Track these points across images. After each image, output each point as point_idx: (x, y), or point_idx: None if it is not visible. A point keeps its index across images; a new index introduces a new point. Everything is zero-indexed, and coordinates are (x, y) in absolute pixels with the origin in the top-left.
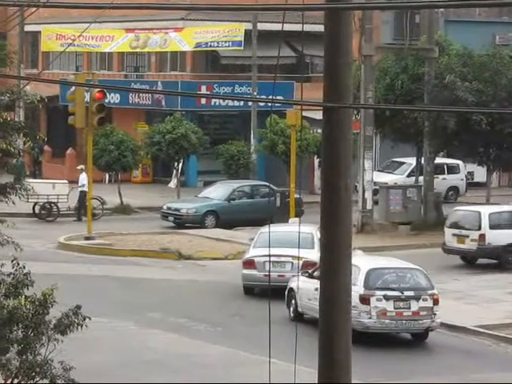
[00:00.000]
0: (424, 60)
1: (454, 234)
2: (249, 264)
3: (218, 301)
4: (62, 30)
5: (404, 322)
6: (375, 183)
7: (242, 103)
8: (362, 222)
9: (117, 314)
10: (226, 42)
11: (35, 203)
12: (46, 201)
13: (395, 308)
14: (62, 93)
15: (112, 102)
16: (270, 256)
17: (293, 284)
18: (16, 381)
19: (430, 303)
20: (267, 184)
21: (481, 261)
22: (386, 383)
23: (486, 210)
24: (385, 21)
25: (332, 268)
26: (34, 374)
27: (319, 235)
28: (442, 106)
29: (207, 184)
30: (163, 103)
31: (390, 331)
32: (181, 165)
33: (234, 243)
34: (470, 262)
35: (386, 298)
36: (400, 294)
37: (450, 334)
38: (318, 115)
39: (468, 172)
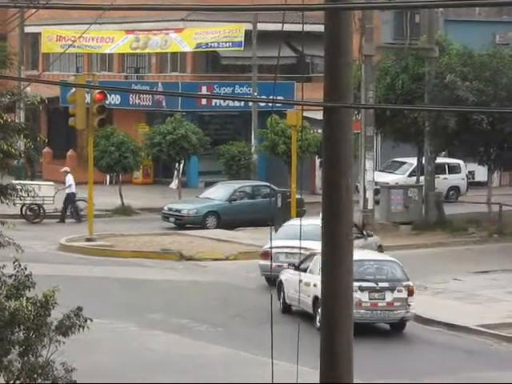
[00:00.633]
0: (424, 60)
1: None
2: (265, 255)
3: (220, 301)
4: (62, 32)
5: (379, 312)
6: (376, 183)
7: (242, 103)
8: (363, 222)
9: (118, 316)
10: (226, 42)
11: (22, 205)
12: (32, 202)
13: (370, 299)
14: (63, 94)
15: (112, 103)
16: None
17: (282, 276)
18: (18, 382)
19: (404, 294)
20: (268, 184)
21: None
22: (386, 383)
23: None
24: (385, 21)
25: (333, 267)
26: (35, 375)
27: None
28: (443, 106)
29: (208, 185)
30: (164, 104)
31: (366, 321)
32: (182, 166)
33: (235, 244)
34: None
35: (361, 289)
36: (375, 285)
37: (452, 333)
38: (319, 115)
39: (469, 171)
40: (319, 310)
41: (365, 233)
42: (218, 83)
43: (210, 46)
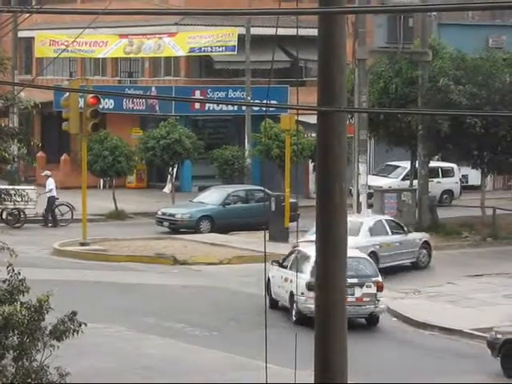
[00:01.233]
0: (417, 63)
1: None
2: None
3: (214, 306)
4: (55, 36)
5: (348, 307)
6: (370, 187)
7: (236, 108)
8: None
9: (113, 320)
10: (219, 46)
11: (3, 209)
12: (13, 207)
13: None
14: (56, 99)
15: (106, 107)
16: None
17: (270, 273)
18: None
19: (373, 290)
20: (262, 188)
21: None
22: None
23: None
24: (378, 24)
25: (327, 271)
26: (29, 380)
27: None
28: (436, 110)
29: (202, 189)
30: (157, 108)
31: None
32: (175, 170)
33: (229, 248)
34: None
35: None
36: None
37: (446, 337)
38: (313, 119)
39: (462, 175)
40: (294, 305)
41: (405, 229)
42: (212, 87)
43: (204, 51)
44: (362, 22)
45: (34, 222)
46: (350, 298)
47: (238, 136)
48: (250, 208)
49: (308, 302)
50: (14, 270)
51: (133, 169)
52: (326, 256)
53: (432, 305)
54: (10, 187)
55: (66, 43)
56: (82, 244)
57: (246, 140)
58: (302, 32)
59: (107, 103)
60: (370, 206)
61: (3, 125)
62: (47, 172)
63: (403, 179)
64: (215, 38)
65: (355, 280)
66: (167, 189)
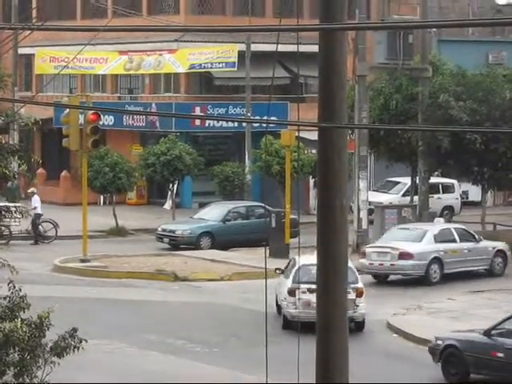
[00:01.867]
0: (418, 80)
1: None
2: (362, 254)
3: (215, 322)
4: (55, 53)
5: None
6: (370, 203)
7: (236, 124)
8: (358, 242)
9: (113, 336)
10: (219, 63)
11: None
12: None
13: None
14: (56, 115)
15: (106, 124)
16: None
17: (277, 280)
18: None
19: (352, 296)
20: (262, 205)
21: None
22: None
23: None
24: (378, 41)
25: (328, 287)
26: None
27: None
28: (436, 126)
29: (202, 205)
30: (157, 125)
31: (314, 320)
32: (176, 186)
33: (230, 264)
34: None
35: (310, 290)
36: None
37: None
38: (313, 136)
39: (463, 191)
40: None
41: (477, 237)
42: (212, 104)
43: (204, 67)
44: (362, 39)
45: (18, 239)
46: None
47: (238, 152)
48: (251, 224)
49: (289, 307)
50: (14, 287)
51: (133, 185)
52: (326, 272)
53: (432, 321)
54: (3, 204)
55: (66, 60)
56: (83, 260)
57: (247, 156)
58: (303, 48)
59: (107, 120)
60: (370, 222)
61: (4, 141)
62: (33, 189)
63: (404, 195)
64: (215, 55)
65: None
66: (167, 205)
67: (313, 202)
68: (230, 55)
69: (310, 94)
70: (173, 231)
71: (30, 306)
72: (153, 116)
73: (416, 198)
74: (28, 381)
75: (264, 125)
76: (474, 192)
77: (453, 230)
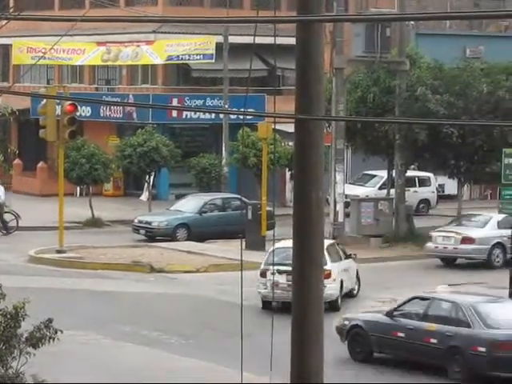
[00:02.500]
0: (395, 73)
1: None
2: (429, 238)
3: (190, 314)
4: (32, 43)
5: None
6: (346, 196)
7: (213, 116)
8: (334, 235)
9: (89, 328)
10: (197, 54)
11: None
12: None
13: (287, 280)
14: (34, 106)
15: (83, 115)
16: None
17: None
18: None
19: None
20: (239, 197)
21: None
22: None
23: None
24: (356, 33)
25: (304, 279)
26: None
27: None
28: (413, 118)
29: (179, 197)
30: (134, 116)
31: (284, 300)
32: (152, 178)
33: (206, 256)
34: None
35: (279, 271)
36: (291, 268)
37: None
38: (290, 128)
39: (439, 185)
40: None
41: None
42: (189, 95)
43: (181, 59)
44: (340, 31)
45: None
46: None
47: (215, 144)
48: (227, 216)
49: (260, 288)
50: None
51: (110, 176)
52: (302, 262)
53: None
54: None
55: (43, 50)
56: (59, 251)
57: (224, 148)
58: (280, 40)
59: (84, 111)
60: (346, 215)
61: None
62: None
63: (380, 188)
64: (193, 46)
65: None
66: (144, 197)
67: (289, 194)
68: (207, 47)
69: (287, 87)
70: (149, 223)
71: (6, 296)
72: (130, 107)
73: (392, 191)
74: (3, 371)
75: (241, 117)
76: (451, 185)
77: None
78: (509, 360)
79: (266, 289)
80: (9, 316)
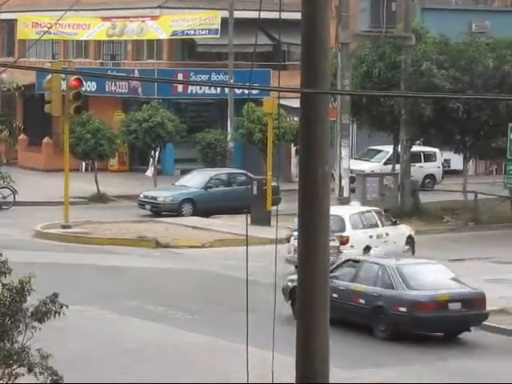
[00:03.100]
0: (401, 48)
1: None
2: None
3: (195, 289)
4: (38, 18)
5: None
6: (352, 171)
7: (218, 91)
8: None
9: (94, 303)
10: (202, 29)
11: None
12: None
13: None
14: (39, 81)
15: (88, 90)
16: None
17: None
18: None
19: (336, 243)
20: (244, 172)
21: None
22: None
23: None
24: (361, 8)
25: (309, 255)
26: (11, 361)
27: None
28: (419, 92)
29: (184, 172)
30: (140, 91)
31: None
32: (157, 153)
33: (212, 231)
34: None
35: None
36: None
37: None
38: (295, 103)
39: (444, 160)
40: None
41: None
42: (195, 71)
43: (186, 34)
44: (346, 6)
45: None
46: None
47: (220, 119)
48: (232, 191)
49: (285, 252)
50: None
51: (115, 152)
52: (308, 239)
53: None
54: None
55: (48, 25)
56: (64, 227)
57: (229, 123)
58: (285, 15)
59: (90, 86)
60: (352, 190)
61: None
62: None
63: (385, 163)
64: (198, 21)
65: None
66: (149, 172)
67: (294, 169)
68: (212, 22)
69: (293, 62)
70: (155, 198)
71: (12, 271)
72: (135, 82)
73: (398, 166)
74: (9, 345)
75: (246, 92)
76: (456, 160)
77: None
78: (429, 319)
79: (289, 253)
80: (14, 290)
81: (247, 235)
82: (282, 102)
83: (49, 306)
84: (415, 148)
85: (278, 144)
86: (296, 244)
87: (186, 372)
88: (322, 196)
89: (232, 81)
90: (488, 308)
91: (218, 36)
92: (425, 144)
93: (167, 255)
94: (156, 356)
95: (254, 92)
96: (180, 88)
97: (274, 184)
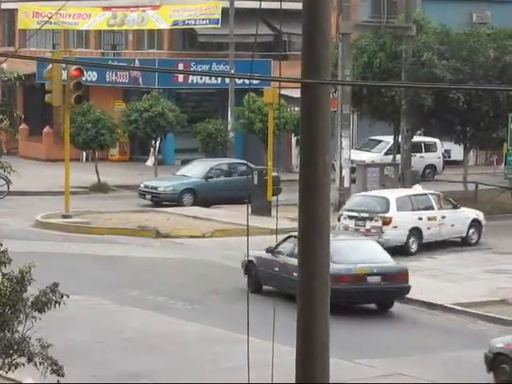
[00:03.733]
0: (401, 38)
1: None
2: None
3: (196, 279)
4: (38, 8)
5: (359, 235)
6: (352, 161)
7: (219, 81)
8: (340, 200)
9: (95, 292)
10: (203, 19)
11: None
12: None
13: (355, 225)
14: (39, 71)
15: (89, 79)
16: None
17: None
18: None
19: (379, 223)
20: (245, 162)
21: None
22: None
23: None
24: None
25: (310, 246)
26: (11, 351)
27: None
28: (420, 83)
29: (185, 162)
30: (140, 81)
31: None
32: (158, 143)
33: (212, 221)
34: None
35: (350, 217)
36: (358, 214)
37: (428, 311)
38: (296, 93)
39: (445, 150)
40: None
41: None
42: (195, 60)
43: (187, 24)
44: None
45: None
46: (361, 229)
47: (221, 109)
48: (233, 181)
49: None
50: None
51: (115, 141)
52: (308, 229)
53: (413, 279)
54: None
55: (49, 15)
56: (65, 216)
57: (229, 114)
58: (286, 5)
59: (90, 75)
60: (352, 180)
61: None
62: None
63: (386, 154)
64: (199, 11)
65: (366, 215)
66: (150, 162)
67: (295, 159)
68: (213, 12)
69: (293, 52)
70: (155, 188)
71: (12, 260)
72: (136, 72)
73: (398, 156)
74: (9, 335)
75: (247, 82)
76: (457, 151)
77: None
78: (346, 291)
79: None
80: (15, 280)
81: (248, 225)
82: (283, 92)
83: (49, 296)
84: (416, 138)
85: (278, 134)
86: (345, 223)
87: (186, 361)
88: (322, 186)
89: (233, 71)
90: (488, 298)
91: (219, 26)
92: (425, 134)
93: (168, 245)
94: (156, 346)
95: (255, 82)
96: (181, 78)
97: (275, 174)
